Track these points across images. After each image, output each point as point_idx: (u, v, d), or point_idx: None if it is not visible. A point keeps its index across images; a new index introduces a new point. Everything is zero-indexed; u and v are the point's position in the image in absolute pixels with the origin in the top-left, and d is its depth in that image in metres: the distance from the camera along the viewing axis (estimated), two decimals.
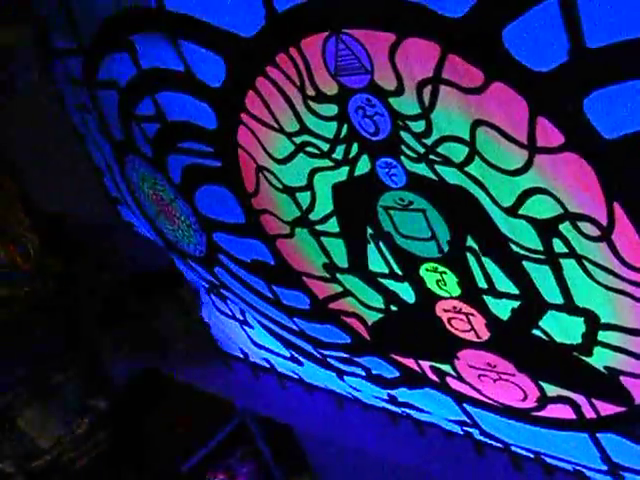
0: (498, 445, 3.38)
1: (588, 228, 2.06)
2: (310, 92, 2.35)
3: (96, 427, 2.97)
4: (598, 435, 2.80)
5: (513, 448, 3.33)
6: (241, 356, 4.42)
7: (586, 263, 2.16)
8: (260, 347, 4.11)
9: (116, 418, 4.06)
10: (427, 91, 2.08)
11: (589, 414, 2.71)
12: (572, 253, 2.16)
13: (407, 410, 3.63)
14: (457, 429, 3.48)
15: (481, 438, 3.40)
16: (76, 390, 3.17)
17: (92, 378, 3.06)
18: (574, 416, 2.76)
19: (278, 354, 4.01)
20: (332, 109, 2.34)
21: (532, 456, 3.28)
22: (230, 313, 4.01)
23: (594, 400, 2.64)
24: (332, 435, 4.07)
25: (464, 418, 3.27)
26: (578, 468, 3.12)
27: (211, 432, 4.98)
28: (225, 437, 4.95)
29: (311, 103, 2.38)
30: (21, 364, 3.31)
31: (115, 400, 4.07)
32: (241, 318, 3.96)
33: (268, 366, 4.27)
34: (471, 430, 3.38)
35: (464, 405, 3.16)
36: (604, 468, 2.96)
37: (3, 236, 3.96)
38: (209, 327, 4.42)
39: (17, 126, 4.02)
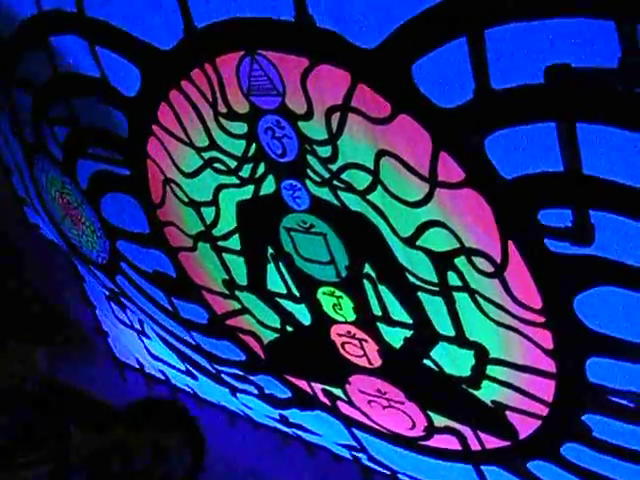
0: (385, 472, 3.41)
1: (482, 264, 2.11)
2: (222, 109, 2.36)
3: None
4: (482, 468, 2.84)
5: (400, 476, 3.36)
6: (137, 366, 4.39)
7: (478, 298, 2.21)
8: (156, 359, 4.10)
9: None
10: (335, 118, 2.11)
11: (474, 446, 2.76)
12: (465, 287, 2.21)
13: (298, 432, 3.64)
14: (346, 453, 3.51)
15: (369, 464, 3.43)
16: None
17: None
18: (460, 447, 2.81)
19: (174, 367, 4.00)
20: (242, 127, 2.35)
21: None
22: (129, 322, 3.99)
23: (480, 433, 2.68)
24: (222, 451, 4.06)
25: (352, 443, 3.30)
26: None
27: None
28: None
29: (222, 120, 2.39)
30: None
31: None
32: (139, 328, 3.94)
33: (163, 378, 4.25)
34: (359, 455, 3.41)
35: (353, 430, 3.19)
36: None
37: None
38: (107, 335, 4.39)
39: None
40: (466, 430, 2.72)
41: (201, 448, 2.83)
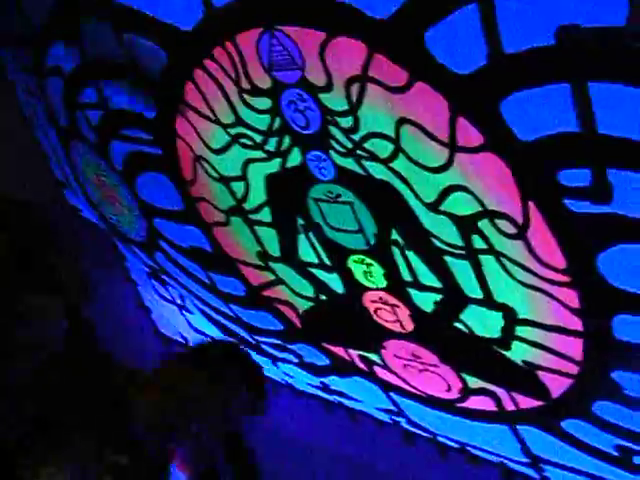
0: (425, 435, 3.46)
1: (505, 226, 2.14)
2: (245, 85, 2.41)
3: None
4: (518, 427, 2.89)
5: (440, 438, 3.41)
6: (181, 340, 4.47)
7: (504, 260, 2.25)
8: (198, 332, 4.18)
9: None
10: (355, 88, 2.15)
11: (509, 407, 2.80)
12: (490, 249, 2.25)
13: (339, 398, 3.70)
14: (386, 418, 3.56)
15: (408, 427, 3.49)
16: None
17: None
18: (495, 408, 2.85)
19: None
20: (266, 102, 2.40)
21: (458, 446, 3.37)
22: (170, 298, 4.07)
23: (513, 393, 2.72)
24: (269, 422, 4.13)
25: (391, 407, 3.35)
26: (501, 460, 3.21)
27: None
28: None
29: (246, 96, 2.44)
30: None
31: None
32: (181, 303, 4.02)
33: None
34: (399, 419, 3.46)
35: (391, 394, 3.24)
36: (525, 460, 3.06)
37: None
38: (150, 312, 4.48)
39: None
40: (500, 391, 2.75)
41: (259, 384, 2.85)
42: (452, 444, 3.39)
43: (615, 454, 2.63)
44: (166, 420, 2.69)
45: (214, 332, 3.97)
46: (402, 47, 1.98)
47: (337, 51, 2.11)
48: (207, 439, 2.77)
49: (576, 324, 2.27)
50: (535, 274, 2.21)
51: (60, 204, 4.17)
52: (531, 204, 2.04)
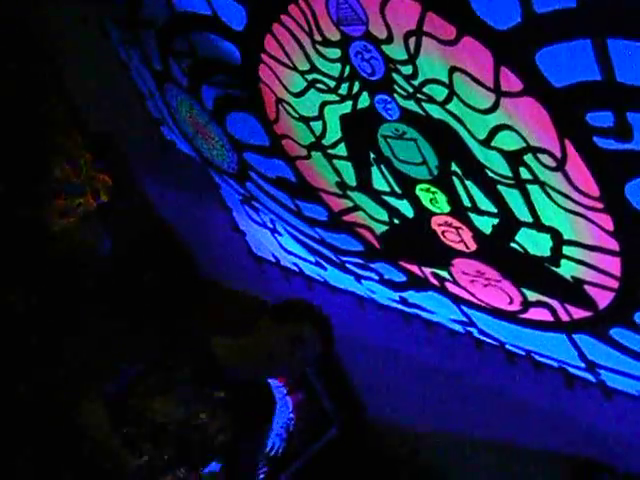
0: (494, 343, 3.78)
1: (546, 159, 2.44)
2: (317, 37, 2.73)
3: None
4: (574, 336, 3.19)
5: (507, 346, 3.73)
6: (273, 260, 4.81)
7: (547, 188, 2.54)
8: (289, 253, 4.50)
9: None
10: (412, 41, 2.46)
11: (564, 317, 3.10)
12: (535, 180, 2.55)
13: (417, 311, 4.03)
14: (459, 328, 3.89)
15: (479, 336, 3.81)
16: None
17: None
18: (552, 318, 3.16)
19: (305, 259, 4.41)
20: (336, 52, 2.72)
21: (523, 353, 3.68)
22: (261, 222, 4.41)
23: (567, 305, 3.03)
24: (354, 330, 4.48)
25: (463, 318, 3.67)
26: (562, 365, 3.52)
27: None
28: None
29: (319, 47, 2.76)
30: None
31: None
32: (271, 227, 4.35)
33: (297, 270, 4.67)
34: (470, 329, 3.78)
35: (461, 307, 3.56)
36: (582, 365, 3.36)
37: (57, 153, 4.30)
38: (244, 235, 4.82)
39: (67, 56, 4.38)
40: (555, 303, 3.06)
41: (329, 337, 3.21)
42: (519, 351, 3.70)
43: None
44: (250, 372, 3.12)
45: (303, 252, 4.30)
46: (450, 6, 2.28)
47: (396, 8, 2.42)
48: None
49: (613, 244, 2.56)
50: (575, 201, 2.50)
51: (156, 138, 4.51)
52: (567, 141, 2.32)
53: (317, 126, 3.11)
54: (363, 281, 4.07)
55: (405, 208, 3.17)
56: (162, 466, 3.01)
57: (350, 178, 3.26)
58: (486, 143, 2.56)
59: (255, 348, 3.09)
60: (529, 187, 2.60)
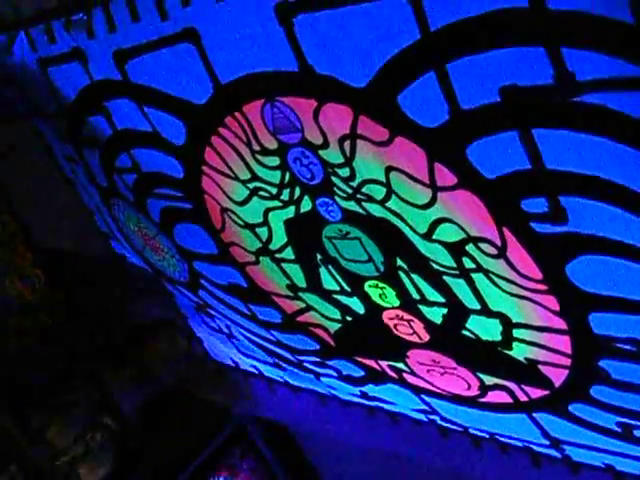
0: (458, 429, 3.81)
1: (488, 248, 2.50)
2: (256, 147, 2.79)
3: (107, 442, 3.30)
4: (535, 415, 3.23)
5: (471, 430, 3.76)
6: (232, 365, 4.83)
7: (492, 275, 2.60)
8: (247, 356, 4.53)
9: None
10: (347, 144, 2.52)
11: (522, 397, 3.14)
12: (479, 268, 2.61)
13: (379, 404, 4.06)
14: (422, 417, 3.91)
15: (443, 423, 3.83)
16: (87, 408, 3.46)
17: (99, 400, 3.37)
18: (511, 400, 3.20)
19: (264, 361, 4.44)
20: (275, 160, 2.78)
21: (488, 436, 3.71)
22: (217, 328, 4.44)
23: (523, 386, 3.07)
24: (319, 429, 4.49)
25: (424, 407, 3.70)
26: (526, 444, 3.55)
27: (209, 438, 5.36)
28: (224, 440, 5.33)
29: (258, 156, 2.82)
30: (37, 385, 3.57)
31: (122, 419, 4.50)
32: (227, 332, 4.38)
33: (257, 372, 4.69)
34: (433, 417, 3.81)
35: (422, 396, 3.59)
36: (546, 442, 3.39)
37: (10, 272, 4.33)
38: (201, 342, 4.85)
39: (16, 173, 4.42)
40: (512, 385, 3.10)
41: None
42: (483, 434, 3.73)
43: (618, 430, 2.96)
44: None
45: (260, 355, 4.33)
46: (380, 109, 2.35)
47: (328, 115, 2.49)
48: None
49: (561, 323, 2.62)
50: (519, 285, 2.55)
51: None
52: (505, 229, 2.39)
53: (263, 232, 3.17)
54: (323, 379, 4.10)
55: (356, 305, 3.22)
56: None
57: (300, 280, 3.31)
58: (428, 237, 2.62)
59: None
60: (474, 275, 2.66)
